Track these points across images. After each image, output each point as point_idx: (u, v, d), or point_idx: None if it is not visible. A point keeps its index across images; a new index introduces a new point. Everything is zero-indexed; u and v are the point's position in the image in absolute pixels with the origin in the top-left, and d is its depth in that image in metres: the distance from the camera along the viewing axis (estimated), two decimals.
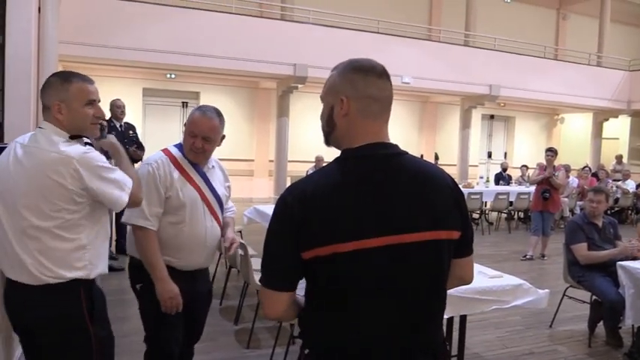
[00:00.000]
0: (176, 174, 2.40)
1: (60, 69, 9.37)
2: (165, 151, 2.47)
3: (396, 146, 1.43)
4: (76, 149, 1.95)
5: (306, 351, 1.46)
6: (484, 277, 3.33)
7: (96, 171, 1.95)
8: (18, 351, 2.61)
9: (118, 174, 2.04)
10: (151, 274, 2.35)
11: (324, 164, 1.52)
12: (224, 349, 4.01)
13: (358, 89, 1.40)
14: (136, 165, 4.65)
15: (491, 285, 3.18)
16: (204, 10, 10.43)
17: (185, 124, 2.49)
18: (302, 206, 1.35)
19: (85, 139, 2.20)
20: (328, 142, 1.50)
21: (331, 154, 1.40)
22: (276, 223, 1.40)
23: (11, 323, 2.02)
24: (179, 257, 2.45)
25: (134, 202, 2.11)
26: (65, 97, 1.99)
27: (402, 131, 15.31)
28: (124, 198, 2.03)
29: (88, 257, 1.99)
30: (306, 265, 1.37)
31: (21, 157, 1.94)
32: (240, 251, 4.42)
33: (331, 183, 1.37)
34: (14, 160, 1.94)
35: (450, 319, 3.33)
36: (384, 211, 1.34)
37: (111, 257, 6.05)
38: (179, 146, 2.50)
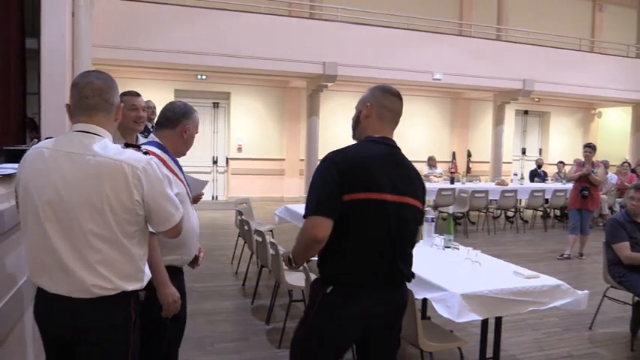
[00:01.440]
0: (167, 173, 2.36)
1: None
2: (151, 153, 2.23)
3: (395, 142, 2.21)
4: (138, 156, 1.86)
5: (328, 289, 2.08)
6: (520, 277, 3.23)
7: (157, 182, 1.87)
8: None
9: (172, 193, 1.97)
10: (155, 278, 2.18)
11: None
12: (255, 349, 4.01)
13: (378, 100, 2.20)
14: None
15: (528, 286, 3.08)
16: (234, 11, 10.49)
17: (188, 128, 2.54)
18: (345, 163, 2.04)
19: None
20: (354, 134, 2.29)
21: None
22: (324, 172, 2.04)
23: (44, 332, 1.91)
24: (181, 253, 2.44)
25: (177, 230, 1.99)
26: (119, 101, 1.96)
27: (432, 128, 15.12)
28: (176, 218, 1.95)
29: (145, 267, 1.92)
30: (343, 206, 2.01)
31: (71, 165, 1.78)
32: (271, 251, 4.42)
33: (366, 153, 2.12)
34: (56, 167, 1.78)
35: (485, 321, 3.24)
36: (394, 179, 2.11)
37: None
38: (155, 144, 2.46)
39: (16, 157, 2.51)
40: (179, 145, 2.54)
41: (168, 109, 2.56)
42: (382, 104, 2.18)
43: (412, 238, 2.20)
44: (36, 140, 2.49)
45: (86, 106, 1.85)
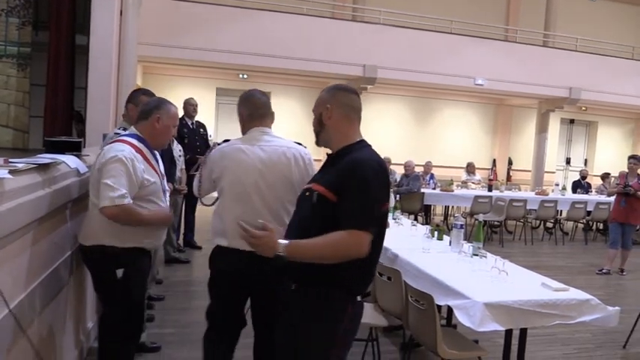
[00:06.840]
0: (143, 164, 2.55)
1: (139, 69, 9.89)
2: (129, 143, 2.56)
3: None
4: (293, 145, 2.96)
5: (355, 301, 1.96)
6: (548, 289, 3.15)
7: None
8: None
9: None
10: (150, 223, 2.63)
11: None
12: None
13: (341, 100, 2.05)
14: None
15: (555, 298, 3.01)
16: (277, 12, 10.63)
17: (160, 118, 2.68)
18: (384, 171, 1.95)
19: None
20: (319, 140, 2.16)
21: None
22: (374, 182, 1.86)
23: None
24: (151, 237, 2.69)
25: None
26: None
27: (473, 134, 14.87)
28: None
29: None
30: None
31: (265, 155, 2.68)
32: None
33: (381, 158, 1.99)
34: (255, 157, 2.65)
35: (510, 332, 3.19)
36: None
37: (178, 249, 6.30)
38: (134, 136, 2.64)
39: (56, 148, 2.64)
40: (155, 135, 2.69)
41: (145, 103, 2.83)
42: (346, 104, 2.04)
43: None
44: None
45: (259, 116, 2.79)
